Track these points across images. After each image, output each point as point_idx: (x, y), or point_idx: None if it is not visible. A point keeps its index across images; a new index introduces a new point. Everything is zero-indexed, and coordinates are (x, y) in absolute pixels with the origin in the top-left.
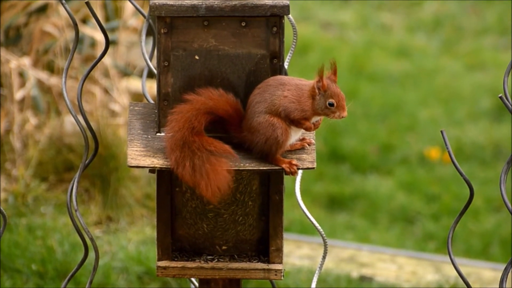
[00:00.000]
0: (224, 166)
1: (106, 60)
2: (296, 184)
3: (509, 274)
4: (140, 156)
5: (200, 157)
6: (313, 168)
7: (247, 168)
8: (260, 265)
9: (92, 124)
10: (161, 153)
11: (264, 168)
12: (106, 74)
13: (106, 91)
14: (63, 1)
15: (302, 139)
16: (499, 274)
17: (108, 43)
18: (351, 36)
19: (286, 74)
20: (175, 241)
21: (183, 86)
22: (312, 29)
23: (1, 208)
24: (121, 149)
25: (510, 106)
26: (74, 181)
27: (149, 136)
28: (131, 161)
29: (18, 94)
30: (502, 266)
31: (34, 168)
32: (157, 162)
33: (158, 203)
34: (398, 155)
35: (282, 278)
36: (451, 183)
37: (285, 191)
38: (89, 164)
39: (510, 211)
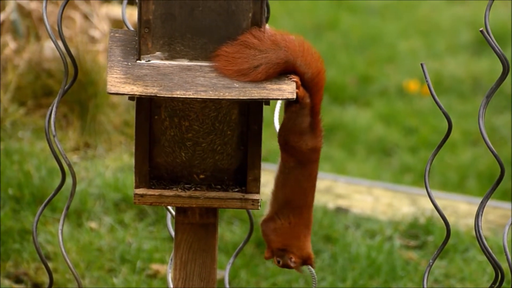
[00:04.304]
0: None
1: None
2: (275, 114)
3: (485, 208)
4: (120, 83)
5: None
6: (293, 98)
7: (226, 98)
8: (237, 195)
9: (72, 50)
10: (141, 80)
11: (244, 97)
12: (87, 0)
13: (86, 17)
14: None
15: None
16: (475, 208)
17: None
18: None
19: (268, 6)
20: (153, 169)
21: (164, 14)
22: None
23: None
24: (101, 75)
25: (490, 40)
26: (52, 106)
27: (129, 64)
28: (111, 88)
29: None
30: (478, 200)
31: (13, 92)
32: (137, 89)
33: (137, 130)
34: (377, 87)
35: (259, 208)
36: (429, 116)
37: (263, 121)
38: (68, 90)
39: (488, 145)
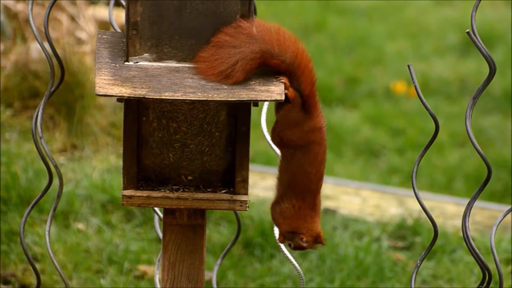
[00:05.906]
0: None
1: None
2: (262, 116)
3: (472, 209)
4: (108, 85)
5: None
6: (282, 100)
7: (215, 99)
8: (225, 196)
9: (58, 51)
10: (130, 82)
11: (232, 99)
12: (73, 2)
13: (72, 19)
14: None
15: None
16: (462, 209)
17: None
18: None
19: (255, 7)
20: (141, 170)
21: (152, 16)
22: None
23: None
24: (87, 77)
25: (477, 41)
26: (39, 108)
27: (117, 65)
28: (99, 90)
29: None
30: (466, 201)
31: None
32: (125, 91)
33: (125, 132)
34: (364, 88)
35: (247, 209)
36: (416, 117)
37: (251, 123)
38: (55, 92)
39: (475, 146)
